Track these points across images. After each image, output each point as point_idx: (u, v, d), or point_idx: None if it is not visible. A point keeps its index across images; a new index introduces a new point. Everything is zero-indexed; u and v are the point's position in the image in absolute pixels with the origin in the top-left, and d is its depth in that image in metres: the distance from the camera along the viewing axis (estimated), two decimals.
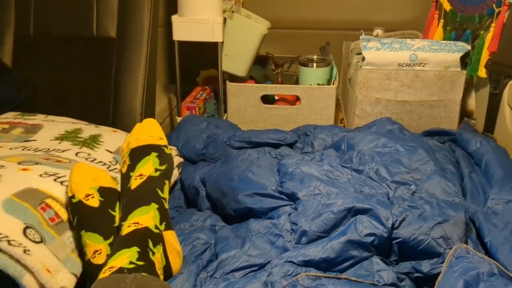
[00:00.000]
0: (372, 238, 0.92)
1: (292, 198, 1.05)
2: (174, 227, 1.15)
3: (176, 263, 0.94)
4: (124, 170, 1.05)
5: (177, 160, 1.38)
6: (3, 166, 1.05)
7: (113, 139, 1.35)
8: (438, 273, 0.90)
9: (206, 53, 1.97)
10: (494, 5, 1.48)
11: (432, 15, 1.77)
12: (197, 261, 0.95)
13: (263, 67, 2.12)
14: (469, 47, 1.58)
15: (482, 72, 1.52)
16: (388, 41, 1.62)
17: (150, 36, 1.57)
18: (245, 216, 1.08)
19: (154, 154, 1.04)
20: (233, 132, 1.42)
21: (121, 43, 1.57)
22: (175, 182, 1.37)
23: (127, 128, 1.50)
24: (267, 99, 1.83)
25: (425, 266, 0.93)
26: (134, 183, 0.98)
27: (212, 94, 1.93)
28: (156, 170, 1.01)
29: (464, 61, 1.62)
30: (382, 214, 0.95)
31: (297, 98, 1.78)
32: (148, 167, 1.01)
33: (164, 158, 1.06)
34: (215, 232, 1.06)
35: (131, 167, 1.02)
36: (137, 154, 1.04)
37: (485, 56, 1.51)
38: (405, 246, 0.94)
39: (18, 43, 1.61)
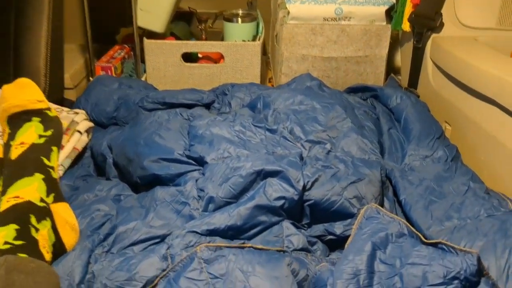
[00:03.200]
0: (282, 201, 0.87)
1: (200, 162, 0.97)
2: (77, 198, 1.05)
3: (69, 239, 0.85)
4: (4, 139, 0.93)
5: (86, 124, 1.27)
6: None
7: None
8: None
9: (126, 9, 1.82)
10: None
11: None
12: (93, 235, 0.86)
13: (188, 23, 2.00)
14: (394, 0, 1.53)
15: (406, 26, 1.48)
16: None
17: None
18: (153, 184, 1.00)
19: (36, 120, 0.93)
20: (147, 93, 1.32)
21: None
22: (85, 149, 1.26)
23: None
24: (191, 58, 1.73)
25: (338, 227, 0.89)
26: (15, 152, 0.86)
27: (132, 53, 1.79)
28: (41, 136, 0.90)
29: (390, 15, 1.57)
30: (293, 175, 0.89)
31: (222, 56, 1.69)
32: (31, 133, 0.90)
33: (48, 122, 0.94)
34: (119, 202, 0.97)
35: (11, 136, 0.91)
36: (16, 120, 0.92)
37: (408, 9, 1.46)
38: (317, 208, 0.89)
39: None
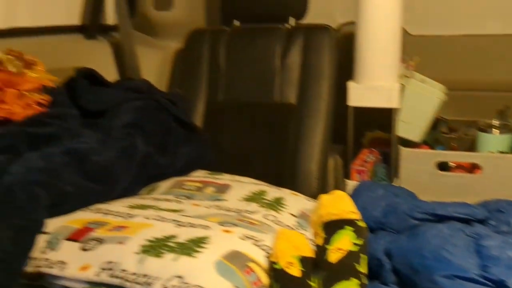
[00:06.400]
0: None
1: (500, 286, 0.97)
2: None
3: None
4: (320, 242, 1.07)
5: None
6: (208, 227, 1.13)
7: (295, 203, 1.39)
8: None
9: (374, 115, 1.97)
10: None
11: None
12: None
13: (433, 129, 2.06)
14: None
15: None
16: None
17: (328, 103, 1.63)
18: None
19: (349, 229, 1.06)
20: (414, 202, 1.38)
21: (301, 110, 1.65)
22: None
23: (303, 191, 1.54)
24: (442, 165, 1.76)
25: None
26: (333, 256, 1.00)
27: (380, 157, 1.91)
28: (355, 244, 1.02)
29: None
30: None
31: (473, 166, 1.68)
32: (346, 241, 1.03)
33: (360, 232, 1.06)
34: None
35: (326, 240, 1.05)
36: (331, 228, 1.07)
37: None
38: None
39: (209, 108, 1.78)
